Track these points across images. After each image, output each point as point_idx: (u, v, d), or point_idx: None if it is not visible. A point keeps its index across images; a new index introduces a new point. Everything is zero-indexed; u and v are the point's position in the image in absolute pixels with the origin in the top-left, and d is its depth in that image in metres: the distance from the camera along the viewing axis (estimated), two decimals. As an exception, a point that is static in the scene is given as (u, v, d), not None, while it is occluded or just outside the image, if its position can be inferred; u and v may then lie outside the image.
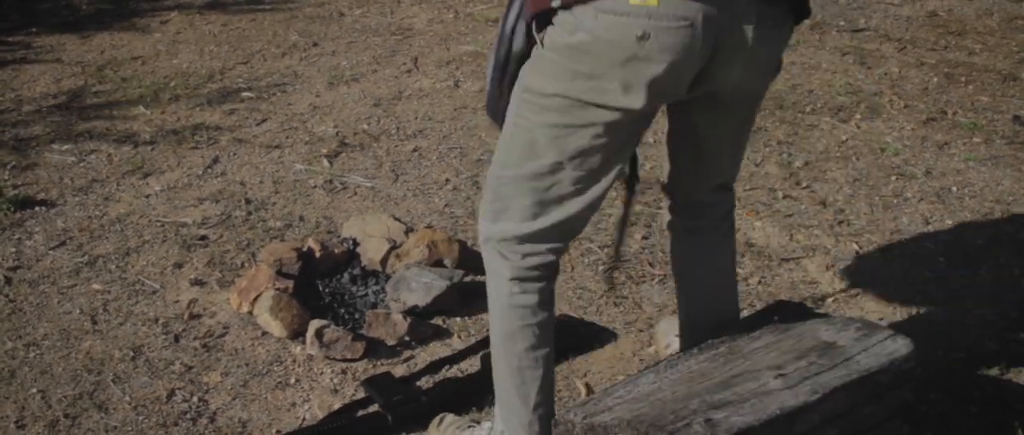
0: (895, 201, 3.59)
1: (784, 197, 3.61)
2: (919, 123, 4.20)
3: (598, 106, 1.84)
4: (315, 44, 5.23)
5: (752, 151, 3.93)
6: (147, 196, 3.68)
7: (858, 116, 4.27)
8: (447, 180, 3.76)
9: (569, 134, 1.88)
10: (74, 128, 4.25)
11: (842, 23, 5.42)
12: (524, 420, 2.13)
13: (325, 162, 3.95)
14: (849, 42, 5.13)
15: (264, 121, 4.32)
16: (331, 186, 3.75)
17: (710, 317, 2.30)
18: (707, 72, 1.83)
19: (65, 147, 4.08)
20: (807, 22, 5.19)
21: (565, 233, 2.05)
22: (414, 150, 4.02)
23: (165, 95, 4.60)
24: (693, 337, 2.28)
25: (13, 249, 3.32)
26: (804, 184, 3.70)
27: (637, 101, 1.82)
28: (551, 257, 2.05)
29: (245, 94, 4.60)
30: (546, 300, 2.08)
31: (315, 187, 3.74)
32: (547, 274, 2.07)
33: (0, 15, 5.75)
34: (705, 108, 2.00)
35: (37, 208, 3.59)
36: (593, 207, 2.01)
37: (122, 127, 4.27)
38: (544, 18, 1.83)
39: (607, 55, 1.77)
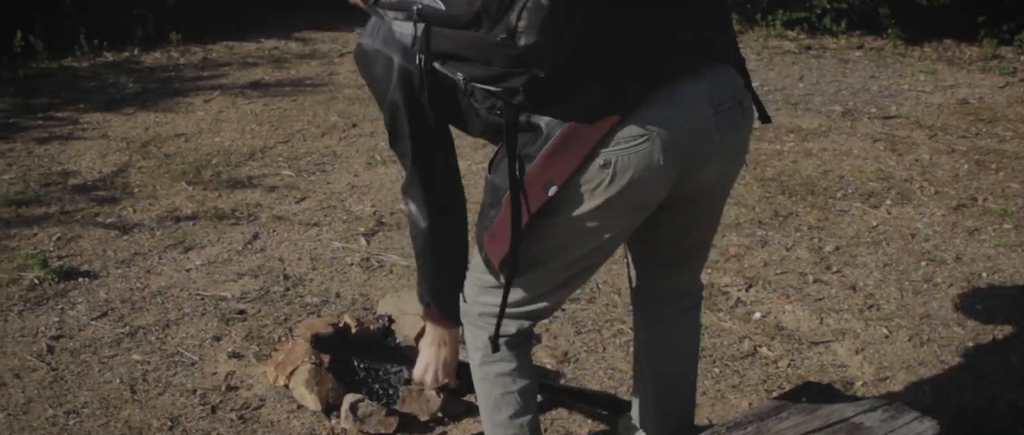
0: (925, 286, 3.61)
1: (815, 281, 3.64)
2: (949, 209, 4.23)
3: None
4: (354, 125, 5.34)
5: (783, 236, 3.97)
6: (188, 270, 3.76)
7: (889, 202, 4.31)
8: (481, 259, 3.82)
9: (563, 251, 1.96)
10: (118, 202, 4.36)
11: (874, 110, 5.47)
12: None
13: (362, 240, 4.02)
14: (880, 129, 5.18)
15: (303, 199, 4.41)
16: (368, 264, 3.81)
17: (670, 411, 2.36)
18: (684, 175, 1.88)
19: (109, 220, 4.18)
20: (838, 109, 5.24)
21: (545, 312, 2.11)
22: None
23: (207, 172, 4.70)
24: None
25: (56, 318, 3.40)
26: (835, 268, 3.73)
27: (618, 219, 1.90)
28: (527, 323, 2.10)
29: (285, 172, 4.70)
30: (524, 367, 2.15)
31: (352, 264, 3.81)
32: (522, 340, 2.13)
33: (50, 92, 5.91)
34: (690, 205, 2.04)
35: (80, 279, 3.67)
36: (577, 287, 2.10)
37: (165, 202, 4.37)
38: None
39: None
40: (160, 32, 6.99)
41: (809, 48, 6.85)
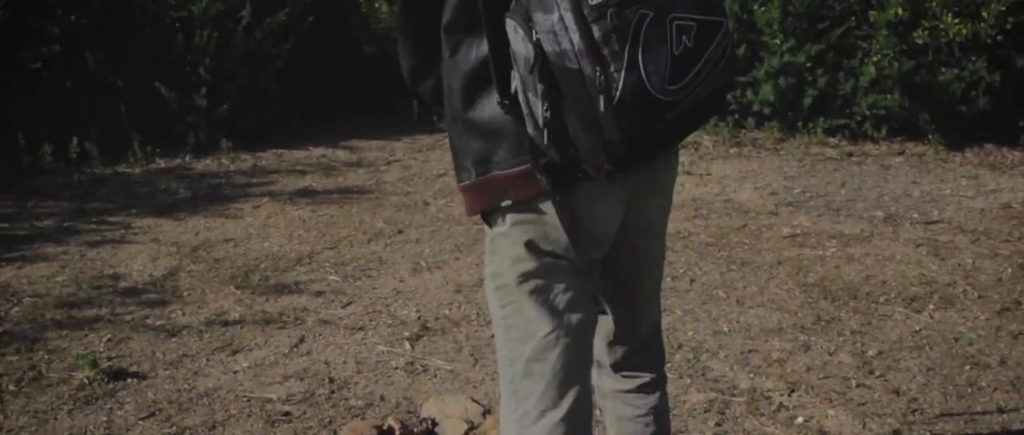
0: (969, 390, 3.60)
1: (858, 386, 3.63)
2: (993, 313, 4.22)
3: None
4: (400, 231, 5.42)
5: (826, 340, 3.97)
6: (235, 372, 3.82)
7: (932, 306, 4.30)
8: (524, 362, 3.85)
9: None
10: (167, 305, 4.44)
11: (916, 215, 5.49)
12: None
13: (407, 345, 4.07)
14: (923, 234, 5.19)
15: (349, 304, 4.47)
16: (412, 368, 3.85)
17: None
18: (630, 212, 2.02)
19: (158, 322, 4.26)
20: (880, 214, 5.26)
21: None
22: (493, 336, 4.11)
23: (255, 276, 4.79)
24: None
25: (104, 418, 3.45)
26: (878, 373, 3.72)
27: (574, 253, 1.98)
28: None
29: (332, 278, 4.77)
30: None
31: (396, 368, 3.85)
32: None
33: (104, 197, 6.06)
34: (633, 244, 2.13)
35: (129, 380, 3.74)
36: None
37: (213, 305, 4.44)
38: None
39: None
40: (211, 140, 7.16)
41: (851, 154, 6.89)
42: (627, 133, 1.72)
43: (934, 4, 6.74)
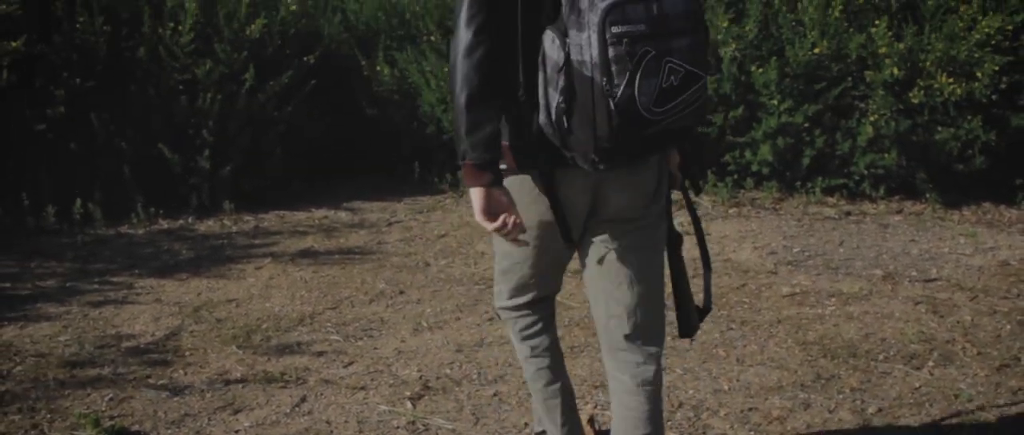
0: (970, 448, 3.61)
1: (858, 443, 3.65)
2: (992, 370, 4.24)
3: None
4: (401, 292, 5.45)
5: (826, 398, 3.99)
6: (236, 431, 3.83)
7: (931, 363, 4.32)
8: (526, 424, 3.86)
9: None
10: (170, 364, 4.46)
11: (914, 273, 5.52)
12: None
13: (408, 404, 4.08)
14: (921, 292, 5.21)
15: (351, 363, 4.49)
16: (414, 427, 3.86)
17: None
18: (596, 202, 2.63)
19: (160, 382, 4.27)
20: (879, 272, 5.28)
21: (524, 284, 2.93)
22: (494, 395, 4.14)
23: (257, 336, 4.81)
24: None
25: (108, 479, 3.47)
26: (878, 430, 3.73)
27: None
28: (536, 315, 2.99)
29: (333, 338, 4.79)
30: (545, 345, 3.01)
31: (398, 428, 3.86)
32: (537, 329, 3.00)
33: (107, 257, 6.10)
34: (608, 229, 2.70)
35: (132, 441, 3.76)
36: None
37: (215, 365, 4.46)
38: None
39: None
40: (214, 201, 7.22)
41: (849, 213, 6.93)
42: (615, 134, 2.31)
43: (928, 64, 6.82)
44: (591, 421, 3.61)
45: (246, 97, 7.29)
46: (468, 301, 5.27)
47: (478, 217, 2.48)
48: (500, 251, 2.87)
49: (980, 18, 6.78)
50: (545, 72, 2.37)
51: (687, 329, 2.93)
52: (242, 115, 7.31)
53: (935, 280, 5.42)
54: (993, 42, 6.73)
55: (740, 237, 6.33)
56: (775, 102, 7.12)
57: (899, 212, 6.96)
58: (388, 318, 5.05)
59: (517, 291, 2.93)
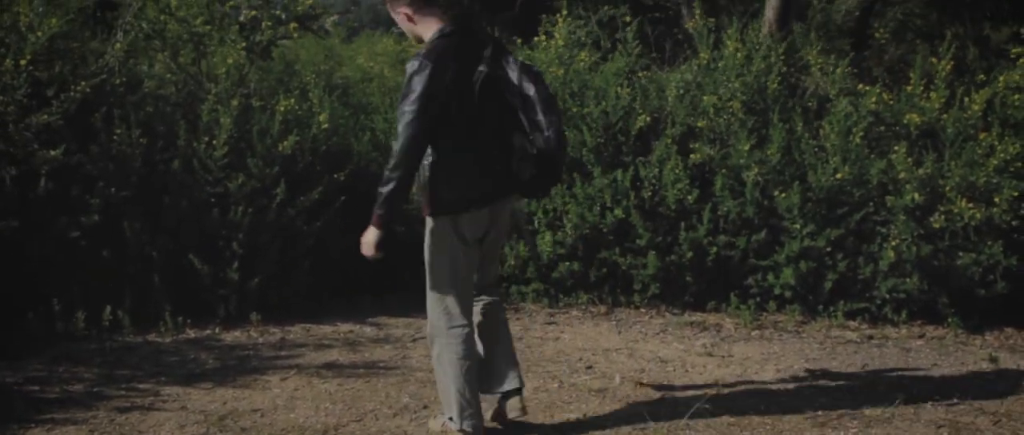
0: None
1: None
2: (1015, 496, 4.24)
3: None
4: (425, 406, 5.48)
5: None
6: None
7: (954, 488, 4.32)
8: (546, 535, 3.88)
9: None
10: (195, 472, 4.50)
11: (936, 397, 5.53)
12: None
13: (429, 514, 4.10)
14: (944, 415, 5.22)
15: (373, 473, 4.51)
16: (434, 537, 3.88)
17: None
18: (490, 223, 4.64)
19: (186, 490, 4.31)
20: (901, 395, 5.30)
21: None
22: None
23: (281, 445, 4.84)
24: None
25: None
26: None
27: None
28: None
29: (356, 447, 4.83)
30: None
31: None
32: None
33: (133, 364, 6.17)
34: (489, 237, 4.70)
35: None
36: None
37: (240, 473, 4.50)
38: None
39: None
40: (241, 312, 7.30)
41: (871, 337, 6.96)
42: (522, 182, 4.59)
43: (948, 189, 6.91)
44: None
45: (276, 211, 7.43)
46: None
47: (368, 250, 4.72)
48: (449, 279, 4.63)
49: (998, 145, 6.90)
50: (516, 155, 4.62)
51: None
52: (272, 228, 7.43)
53: (957, 404, 5.43)
54: (1011, 168, 6.84)
55: (763, 359, 6.36)
56: (797, 226, 7.21)
57: (921, 336, 6.99)
58: (412, 432, 5.08)
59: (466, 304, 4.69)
